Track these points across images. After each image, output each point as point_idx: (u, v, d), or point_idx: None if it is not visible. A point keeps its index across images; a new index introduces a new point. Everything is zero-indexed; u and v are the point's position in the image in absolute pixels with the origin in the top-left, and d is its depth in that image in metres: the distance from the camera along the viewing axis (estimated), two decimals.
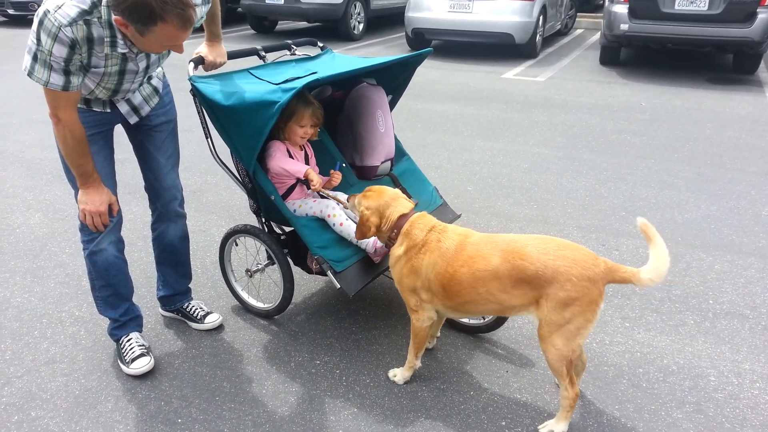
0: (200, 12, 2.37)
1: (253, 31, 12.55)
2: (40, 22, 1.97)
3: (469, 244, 2.26)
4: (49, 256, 3.64)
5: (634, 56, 10.07)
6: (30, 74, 2.07)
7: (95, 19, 2.02)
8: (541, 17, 9.77)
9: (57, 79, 2.07)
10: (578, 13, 13.44)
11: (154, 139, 2.63)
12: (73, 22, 1.97)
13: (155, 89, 2.56)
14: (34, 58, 2.04)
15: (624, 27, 8.41)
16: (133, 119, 2.52)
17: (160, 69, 2.61)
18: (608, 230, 4.00)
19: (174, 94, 2.72)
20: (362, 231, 2.47)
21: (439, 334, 2.83)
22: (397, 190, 2.54)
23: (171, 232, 2.80)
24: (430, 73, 8.79)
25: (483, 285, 2.19)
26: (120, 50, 2.13)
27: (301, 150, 2.88)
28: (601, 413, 2.44)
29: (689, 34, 8.15)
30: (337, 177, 2.80)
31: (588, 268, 2.05)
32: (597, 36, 12.16)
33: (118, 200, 2.50)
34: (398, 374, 2.59)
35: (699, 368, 2.69)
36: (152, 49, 2.10)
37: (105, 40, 2.08)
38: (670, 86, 8.05)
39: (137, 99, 2.49)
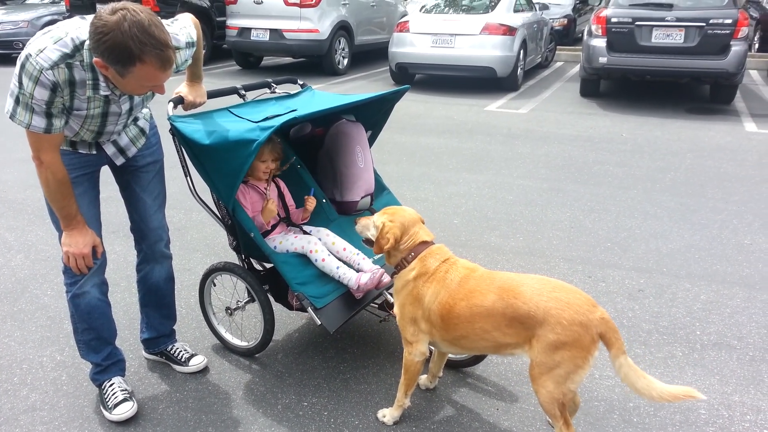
0: (184, 55, 2.38)
1: (238, 67, 12.65)
2: (22, 66, 1.98)
3: (471, 278, 2.27)
4: (31, 298, 3.57)
5: (613, 88, 10.27)
6: (12, 117, 2.07)
7: (77, 63, 2.03)
8: (521, 51, 9.97)
9: (39, 122, 2.06)
10: (558, 46, 13.73)
11: (140, 180, 2.61)
12: (54, 66, 1.98)
13: (142, 130, 2.56)
14: (16, 101, 2.04)
15: (603, 60, 8.60)
16: (119, 160, 2.51)
17: (146, 110, 2.61)
18: (594, 262, 4.02)
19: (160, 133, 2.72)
20: (380, 244, 2.39)
21: (441, 374, 2.78)
22: (418, 215, 2.53)
23: (156, 273, 2.76)
24: (414, 106, 8.89)
25: (479, 320, 2.18)
26: (102, 93, 2.13)
27: (273, 186, 2.88)
28: None
29: (666, 66, 8.34)
30: (311, 202, 2.84)
31: (581, 313, 2.03)
32: (577, 68, 12.40)
33: (102, 242, 2.47)
34: (387, 414, 2.55)
35: (689, 402, 2.68)
36: (133, 90, 2.10)
37: (87, 83, 2.08)
38: (649, 117, 8.20)
39: (123, 140, 2.49)
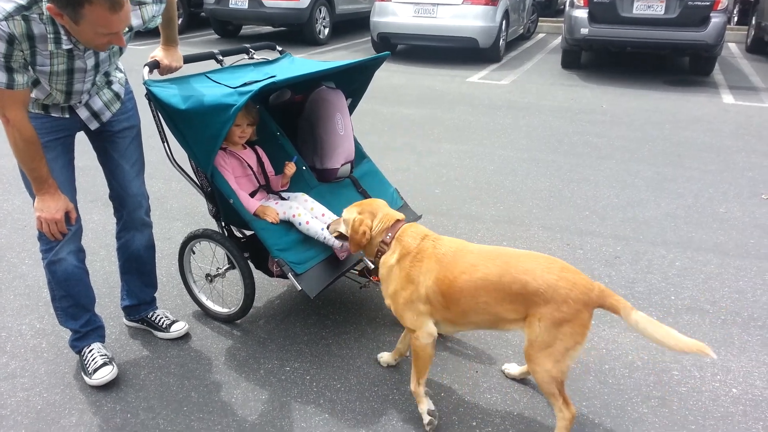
0: (151, 10, 2.31)
1: (217, 36, 12.42)
2: None
3: (468, 252, 2.22)
4: (8, 267, 3.53)
5: (594, 59, 10.29)
6: None
7: (35, 15, 1.98)
8: (504, 22, 9.91)
9: (0, 77, 2.02)
10: (540, 18, 13.67)
11: (117, 146, 2.58)
12: (8, 17, 1.94)
13: (116, 95, 2.52)
14: None
15: (584, 31, 8.59)
16: (93, 125, 2.47)
17: (121, 75, 2.56)
18: (572, 230, 4.07)
19: (136, 100, 2.68)
20: (356, 240, 2.35)
21: (408, 354, 2.73)
22: (379, 200, 2.52)
23: (137, 241, 2.74)
24: (396, 77, 8.82)
25: (484, 294, 2.12)
26: (65, 46, 2.09)
27: (252, 153, 2.86)
28: None
29: (647, 38, 8.36)
30: (290, 167, 2.83)
31: (585, 292, 2.05)
32: (558, 40, 12.39)
33: (77, 208, 2.45)
34: (423, 414, 2.36)
35: (663, 363, 2.76)
36: (90, 39, 2.03)
37: (48, 37, 2.03)
38: (629, 89, 8.24)
39: (97, 104, 2.44)
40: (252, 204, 2.70)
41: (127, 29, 2.24)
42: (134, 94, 2.67)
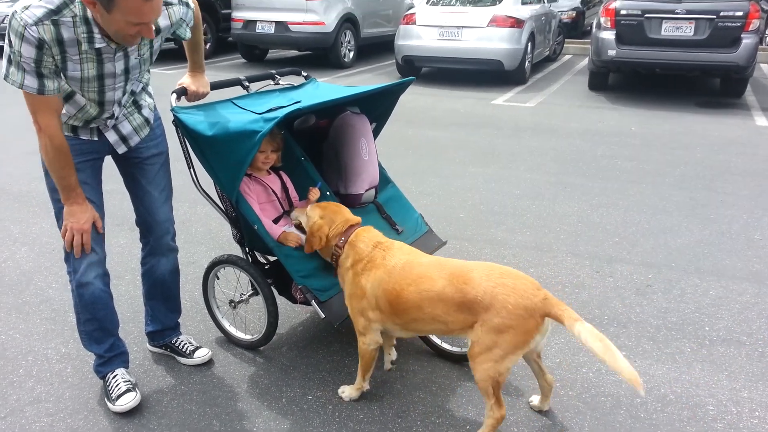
0: (178, 12, 2.34)
1: (243, 60, 12.62)
2: (10, 23, 1.99)
3: (417, 264, 2.32)
4: (35, 291, 3.57)
5: (622, 81, 10.19)
6: (6, 77, 2.07)
7: (66, 19, 2.01)
8: (529, 44, 9.89)
9: (31, 82, 2.06)
10: (566, 39, 13.62)
11: (146, 173, 2.61)
12: (39, 22, 1.97)
13: (146, 120, 2.54)
14: (9, 61, 2.05)
15: (611, 53, 8.52)
16: (121, 149, 2.49)
17: (151, 101, 2.59)
18: (602, 257, 3.98)
19: (165, 126, 2.70)
20: (311, 242, 2.50)
21: (394, 353, 2.78)
22: (342, 206, 2.63)
23: (162, 266, 2.75)
24: (420, 99, 8.84)
25: (429, 305, 2.23)
26: (97, 45, 2.11)
27: (277, 178, 2.86)
28: None
29: (676, 59, 8.26)
30: (314, 193, 2.82)
31: (526, 297, 2.09)
32: (585, 61, 12.31)
33: (104, 217, 2.48)
34: (346, 391, 2.64)
35: (697, 397, 2.65)
36: (121, 29, 2.03)
37: (81, 37, 2.06)
38: (659, 111, 8.12)
39: (126, 128, 2.46)
40: (275, 230, 2.69)
41: (155, 29, 2.24)
42: (162, 120, 2.69)
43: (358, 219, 2.56)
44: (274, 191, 2.81)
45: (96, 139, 2.41)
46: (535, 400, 2.58)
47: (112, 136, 2.44)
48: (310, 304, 2.61)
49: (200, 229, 4.42)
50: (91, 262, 2.44)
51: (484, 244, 4.18)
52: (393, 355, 2.77)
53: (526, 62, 9.97)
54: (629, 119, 7.66)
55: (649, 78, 10.24)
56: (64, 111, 2.26)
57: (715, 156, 6.13)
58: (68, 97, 2.23)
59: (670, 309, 3.36)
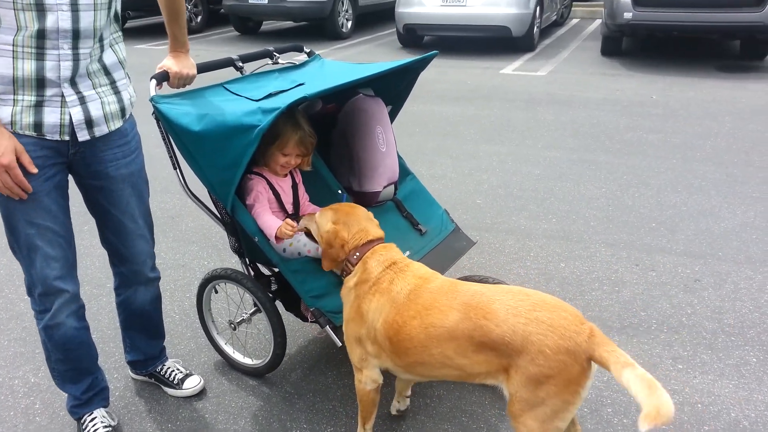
0: None
1: (236, 33, 12.03)
2: None
3: (425, 291, 1.84)
4: (5, 304, 3.16)
5: (635, 46, 9.63)
6: None
7: None
8: (537, 8, 9.31)
9: None
10: (573, 2, 12.98)
11: (115, 200, 2.12)
12: None
13: (122, 110, 2.04)
14: None
15: (628, 15, 7.95)
16: (83, 134, 1.94)
17: (132, 92, 2.11)
18: (639, 246, 3.55)
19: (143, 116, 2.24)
20: (330, 255, 2.01)
21: (410, 393, 2.35)
22: (370, 213, 2.11)
23: (140, 297, 2.33)
24: (424, 71, 8.28)
25: (437, 345, 1.77)
26: None
27: (286, 176, 2.42)
28: None
29: (698, 21, 7.69)
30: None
31: (567, 337, 1.61)
32: (594, 25, 11.72)
33: (75, 243, 2.07)
34: None
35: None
36: None
37: None
38: (678, 77, 7.61)
39: (96, 109, 1.93)
40: (272, 224, 2.20)
41: None
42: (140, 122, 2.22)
43: (380, 233, 2.06)
44: (279, 193, 2.36)
45: (67, 138, 1.91)
46: None
47: (77, 114, 1.89)
48: (323, 328, 2.20)
49: (191, 225, 3.99)
50: (63, 302, 2.03)
51: (507, 234, 3.76)
52: (403, 403, 2.33)
53: (535, 27, 9.40)
54: (648, 87, 7.16)
55: (664, 41, 9.68)
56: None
57: (746, 126, 5.66)
58: None
59: (725, 308, 2.95)
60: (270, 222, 2.22)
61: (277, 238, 2.19)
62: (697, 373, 2.53)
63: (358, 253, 1.99)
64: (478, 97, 6.96)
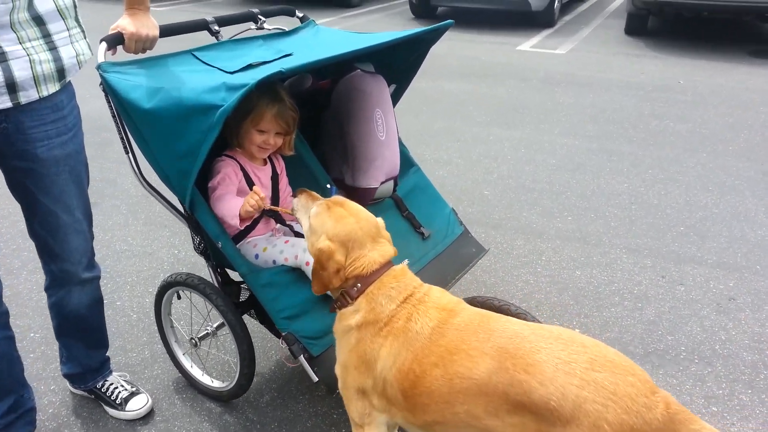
0: None
1: None
2: None
3: (451, 328, 1.42)
4: None
5: (662, 25, 9.05)
6: None
7: None
8: None
9: None
10: None
11: (47, 187, 1.74)
12: None
13: (60, 71, 1.64)
14: None
15: None
16: (3, 101, 1.56)
17: (77, 45, 1.70)
18: (666, 254, 3.14)
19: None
20: (321, 279, 1.54)
21: None
22: (380, 220, 1.66)
23: (74, 299, 1.95)
24: (435, 45, 7.80)
25: (463, 401, 1.37)
26: None
27: (265, 164, 2.02)
28: None
29: (730, 1, 7.15)
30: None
31: (635, 411, 1.21)
32: (619, 2, 11.10)
33: None
34: None
35: None
36: None
37: None
38: (707, 61, 7.08)
39: (22, 69, 1.55)
40: (233, 207, 1.82)
41: None
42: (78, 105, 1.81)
43: (388, 253, 1.60)
44: (259, 184, 1.96)
45: None
46: None
47: None
48: (296, 358, 1.81)
49: (161, 207, 3.58)
50: None
51: (516, 233, 3.34)
52: None
53: (556, 2, 8.85)
54: (675, 70, 6.65)
55: (692, 21, 9.10)
56: None
57: None
58: None
59: (766, 336, 2.55)
60: (231, 205, 1.83)
61: (241, 219, 1.80)
62: (736, 417, 2.14)
63: (359, 285, 1.54)
64: (491, 74, 6.48)
